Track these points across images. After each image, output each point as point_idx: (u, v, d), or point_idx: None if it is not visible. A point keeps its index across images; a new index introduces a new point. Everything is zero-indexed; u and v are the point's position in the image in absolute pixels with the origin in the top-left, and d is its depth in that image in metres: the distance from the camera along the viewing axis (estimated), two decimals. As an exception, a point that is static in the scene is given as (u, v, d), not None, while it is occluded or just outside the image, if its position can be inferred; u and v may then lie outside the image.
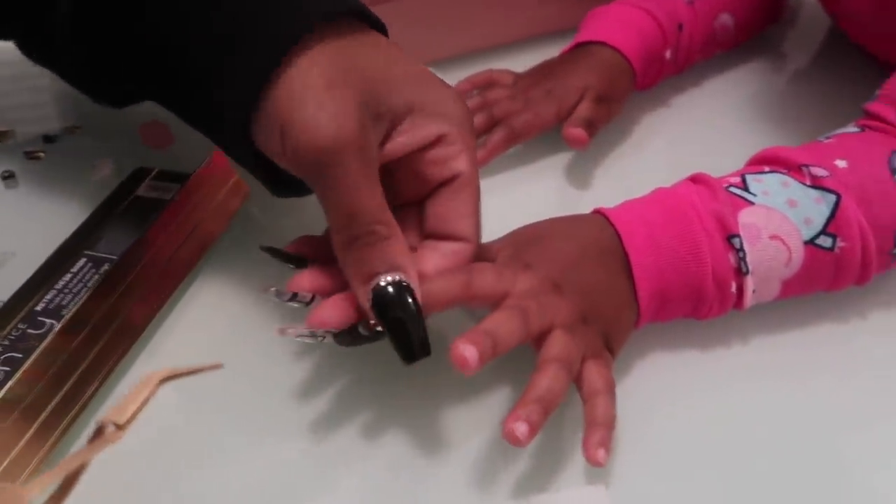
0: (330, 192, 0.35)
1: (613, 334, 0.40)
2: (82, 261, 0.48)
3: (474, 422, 0.41)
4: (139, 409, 0.28)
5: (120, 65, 0.41)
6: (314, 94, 0.34)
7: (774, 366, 0.44)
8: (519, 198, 0.56)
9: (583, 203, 0.51)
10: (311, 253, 0.40)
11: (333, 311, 0.37)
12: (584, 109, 0.56)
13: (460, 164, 0.38)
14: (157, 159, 0.58)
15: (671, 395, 0.42)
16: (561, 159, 0.59)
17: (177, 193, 0.49)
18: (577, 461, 0.39)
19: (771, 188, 0.43)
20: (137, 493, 0.39)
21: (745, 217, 0.41)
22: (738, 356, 0.44)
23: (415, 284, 0.36)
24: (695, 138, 0.62)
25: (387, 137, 0.37)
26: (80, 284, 0.46)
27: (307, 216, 0.54)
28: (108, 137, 0.60)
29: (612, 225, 0.42)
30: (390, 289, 0.35)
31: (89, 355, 0.42)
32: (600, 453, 0.35)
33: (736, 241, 0.41)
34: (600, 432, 0.36)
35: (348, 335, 0.38)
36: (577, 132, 0.54)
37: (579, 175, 0.58)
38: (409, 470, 0.39)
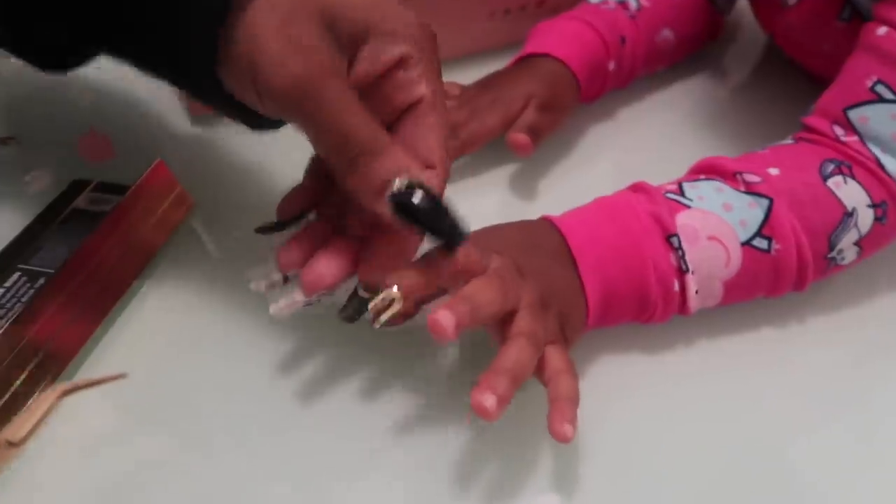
0: (315, 122, 0.34)
1: (569, 323, 0.41)
2: (16, 275, 0.46)
3: (434, 426, 0.41)
4: (37, 426, 0.27)
5: (59, 11, 0.39)
6: (275, 31, 0.33)
7: (719, 369, 0.45)
8: (465, 211, 0.56)
9: (529, 215, 0.52)
10: (307, 204, 0.40)
11: (329, 264, 0.35)
12: (528, 117, 0.57)
13: (422, 88, 0.36)
14: (97, 172, 0.57)
15: (618, 398, 0.43)
16: (506, 171, 0.60)
17: (116, 205, 0.48)
18: (537, 467, 0.39)
19: (706, 194, 0.44)
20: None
21: (682, 219, 0.42)
22: (684, 360, 0.45)
23: (425, 179, 0.35)
24: (640, 150, 0.63)
25: (349, 64, 0.36)
26: (14, 300, 0.44)
27: (253, 227, 0.53)
28: (45, 149, 0.58)
29: (557, 229, 0.43)
30: (406, 188, 0.34)
31: (23, 373, 0.40)
32: (567, 428, 0.35)
33: (674, 241, 0.42)
34: (566, 407, 0.36)
35: (352, 306, 0.36)
36: (521, 138, 0.54)
37: (525, 188, 0.59)
38: (355, 479, 0.39)
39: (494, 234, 0.42)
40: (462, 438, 0.40)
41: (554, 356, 0.38)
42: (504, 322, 0.37)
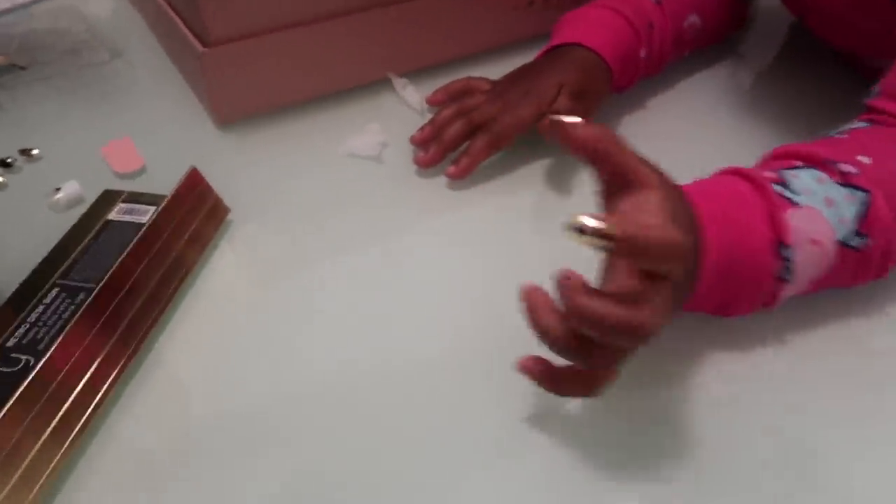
0: None
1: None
2: (55, 291, 0.44)
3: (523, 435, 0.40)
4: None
5: None
6: None
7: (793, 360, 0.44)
8: (501, 206, 0.55)
9: (566, 209, 0.50)
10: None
11: None
12: (561, 105, 0.56)
13: None
14: (125, 182, 0.55)
15: (684, 387, 0.42)
16: (540, 165, 0.58)
17: (154, 216, 0.46)
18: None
19: (809, 186, 0.42)
20: None
21: (794, 220, 0.40)
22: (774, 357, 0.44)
23: None
24: (671, 138, 0.62)
25: None
26: (55, 316, 0.43)
27: (293, 229, 0.52)
28: (69, 159, 0.57)
29: (694, 209, 0.39)
30: None
31: (71, 394, 0.39)
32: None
33: (786, 252, 0.40)
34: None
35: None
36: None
37: (560, 180, 0.57)
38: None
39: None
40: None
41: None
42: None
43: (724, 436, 0.40)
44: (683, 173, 0.40)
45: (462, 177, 0.55)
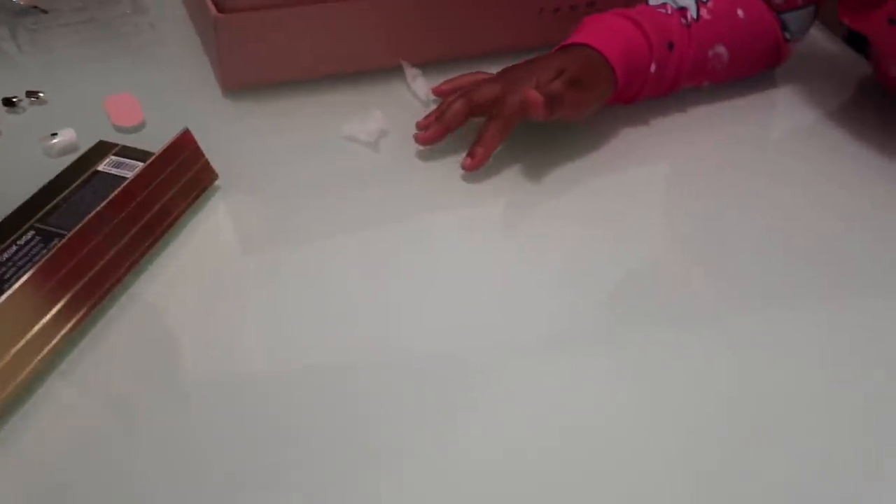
0: None
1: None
2: (30, 234, 0.45)
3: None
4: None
5: None
6: None
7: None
8: (484, 212, 0.54)
9: (553, 202, 0.50)
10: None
11: None
12: (553, 85, 0.56)
13: None
14: (123, 136, 0.56)
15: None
16: (526, 162, 0.58)
17: (138, 171, 0.47)
18: None
19: None
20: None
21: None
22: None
23: None
24: (668, 165, 0.61)
25: None
26: (26, 259, 0.43)
27: (278, 204, 0.52)
28: (73, 107, 0.57)
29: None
30: None
31: (24, 339, 0.39)
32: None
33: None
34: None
35: None
36: (534, 94, 0.53)
37: (551, 184, 0.57)
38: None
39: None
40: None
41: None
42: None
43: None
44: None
45: (477, 167, 0.56)
